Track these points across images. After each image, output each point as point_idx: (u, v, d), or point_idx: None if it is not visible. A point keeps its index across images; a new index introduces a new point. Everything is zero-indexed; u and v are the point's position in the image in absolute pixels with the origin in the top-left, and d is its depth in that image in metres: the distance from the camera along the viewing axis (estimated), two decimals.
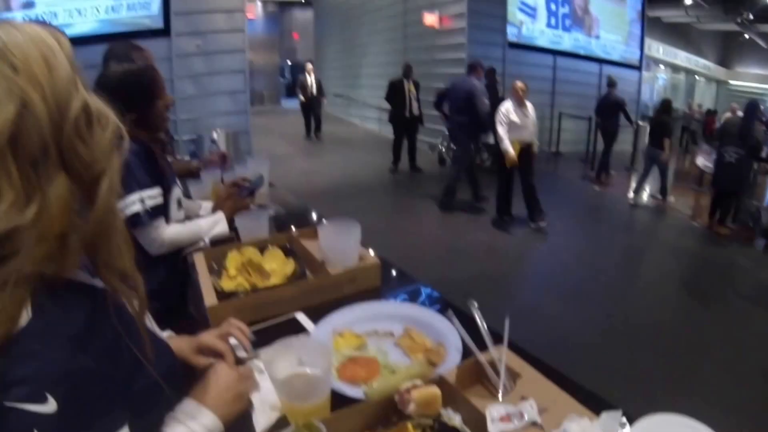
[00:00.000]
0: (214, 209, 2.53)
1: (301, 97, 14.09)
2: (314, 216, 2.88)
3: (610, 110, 10.07)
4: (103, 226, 0.78)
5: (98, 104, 0.80)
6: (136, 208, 2.03)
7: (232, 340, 1.31)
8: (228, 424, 0.99)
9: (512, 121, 6.50)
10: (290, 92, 26.52)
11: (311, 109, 14.20)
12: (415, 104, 9.84)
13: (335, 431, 1.02)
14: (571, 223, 7.75)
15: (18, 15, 8.07)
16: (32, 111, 0.70)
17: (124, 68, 2.16)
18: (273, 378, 1.12)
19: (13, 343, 0.68)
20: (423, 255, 5.74)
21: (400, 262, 2.10)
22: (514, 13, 11.72)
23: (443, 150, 10.76)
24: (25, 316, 0.69)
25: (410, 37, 13.18)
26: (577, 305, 4.82)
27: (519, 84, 6.57)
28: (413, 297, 1.81)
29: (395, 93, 9.90)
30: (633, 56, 14.55)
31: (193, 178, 3.08)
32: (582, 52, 13.29)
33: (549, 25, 12.60)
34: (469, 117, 7.34)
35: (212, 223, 2.36)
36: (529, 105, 6.64)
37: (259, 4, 24.09)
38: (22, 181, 0.69)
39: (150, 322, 1.00)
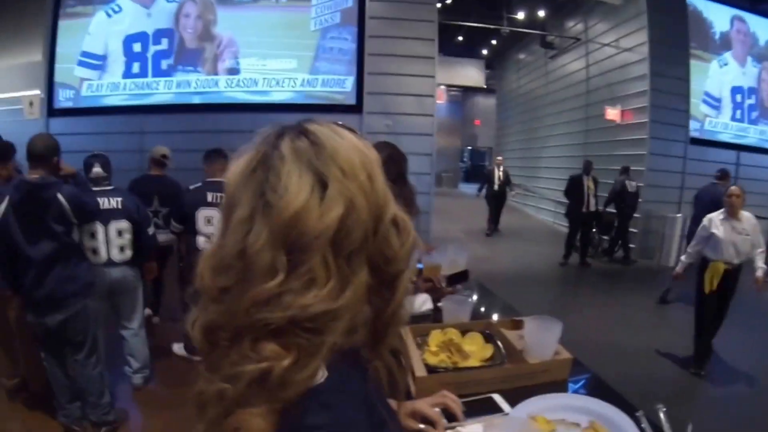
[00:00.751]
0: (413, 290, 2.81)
1: (486, 189, 13.40)
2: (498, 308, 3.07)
3: None
4: (396, 316, 0.87)
5: (403, 216, 0.88)
6: None
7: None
8: None
9: (713, 235, 5.18)
10: (468, 177, 26.95)
11: (496, 201, 13.41)
12: (593, 201, 9.82)
13: None
14: (751, 337, 6.69)
15: (222, 79, 9.12)
16: (356, 213, 0.78)
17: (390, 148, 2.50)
18: None
19: (313, 395, 0.77)
20: (589, 353, 5.34)
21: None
22: (697, 105, 11.20)
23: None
24: (321, 374, 0.78)
25: (591, 131, 13.13)
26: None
27: (734, 190, 5.21)
28: (595, 391, 1.93)
29: (574, 188, 9.98)
30: None
31: None
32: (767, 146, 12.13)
33: (734, 117, 11.78)
34: None
35: (422, 302, 2.66)
36: (746, 216, 5.21)
37: (443, 88, 24.74)
38: (338, 272, 0.77)
39: None
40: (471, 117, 27.99)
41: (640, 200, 10.54)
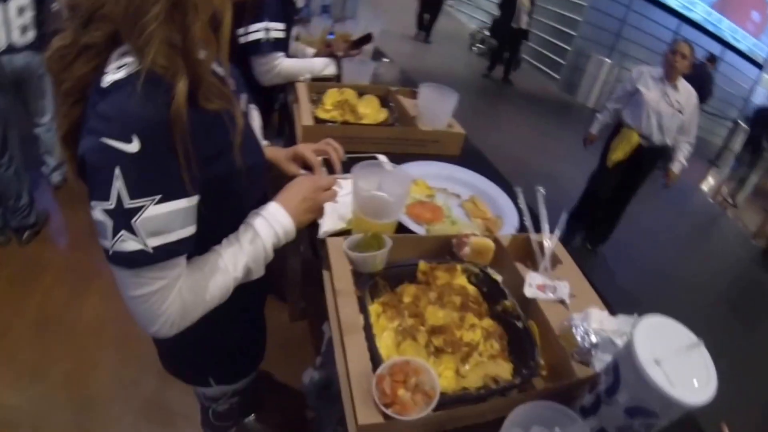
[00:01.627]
0: (316, 55, 2.64)
1: None
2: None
3: None
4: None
5: None
6: (259, 35, 2.12)
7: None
8: (300, 227, 1.08)
9: (638, 92, 3.91)
10: None
11: (430, 2, 11.54)
12: (524, 18, 9.39)
13: (397, 249, 1.12)
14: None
15: None
16: None
17: None
18: (356, 192, 1.21)
19: (114, 88, 0.77)
20: (499, 165, 5.20)
21: None
22: None
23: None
24: (130, 68, 0.77)
25: None
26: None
27: (682, 46, 3.79)
28: (483, 170, 1.82)
29: (507, 1, 9.50)
30: (760, 52, 12.22)
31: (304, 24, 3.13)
32: (709, 27, 11.47)
33: None
34: None
35: (324, 64, 2.49)
36: (686, 88, 3.88)
37: None
38: None
39: (255, 128, 1.11)
40: None
41: (573, 33, 10.48)
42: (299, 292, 2.55)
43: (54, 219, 3.90)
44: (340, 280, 1.09)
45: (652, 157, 4.07)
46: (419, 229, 1.35)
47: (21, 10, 3.41)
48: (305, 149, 1.38)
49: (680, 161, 4.03)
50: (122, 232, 0.80)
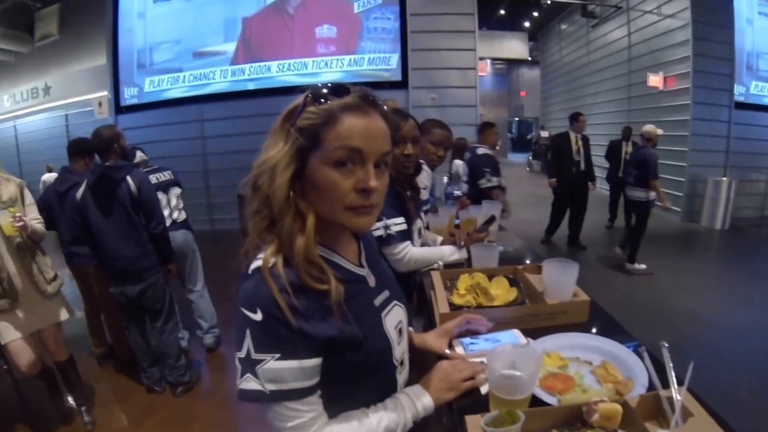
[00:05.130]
0: (442, 243, 2.88)
1: (552, 170, 8.82)
2: (529, 258, 2.99)
3: None
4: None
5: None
6: (380, 232, 2.42)
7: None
8: (439, 404, 1.30)
9: None
10: (515, 147, 28.02)
11: (570, 195, 8.47)
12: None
13: (531, 421, 1.22)
14: None
15: (274, 64, 9.37)
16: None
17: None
18: (491, 375, 1.34)
19: (254, 273, 1.03)
20: (632, 313, 5.11)
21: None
22: (742, 71, 10.45)
23: None
24: (258, 263, 1.04)
25: (634, 98, 12.52)
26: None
27: None
28: (611, 334, 1.82)
29: (613, 153, 9.65)
30: None
31: (433, 213, 3.39)
32: None
33: None
34: None
35: (452, 251, 2.70)
36: None
37: (489, 62, 24.23)
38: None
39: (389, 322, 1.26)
40: (517, 89, 27.24)
41: (684, 164, 10.19)
42: None
43: (205, 378, 4.24)
44: None
45: None
46: (552, 400, 1.41)
47: (178, 197, 4.32)
48: (449, 324, 1.68)
49: None
50: (248, 374, 1.02)
